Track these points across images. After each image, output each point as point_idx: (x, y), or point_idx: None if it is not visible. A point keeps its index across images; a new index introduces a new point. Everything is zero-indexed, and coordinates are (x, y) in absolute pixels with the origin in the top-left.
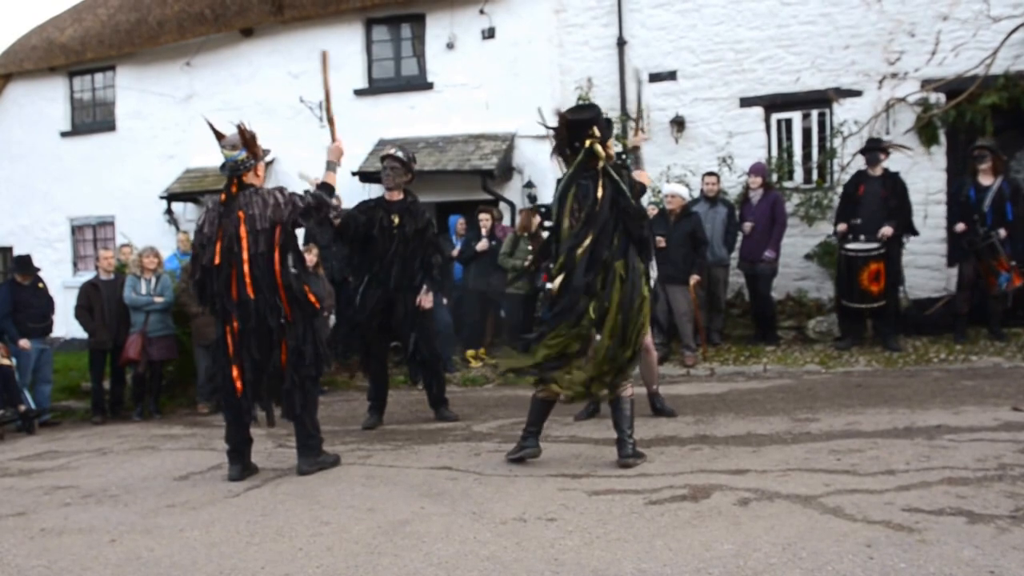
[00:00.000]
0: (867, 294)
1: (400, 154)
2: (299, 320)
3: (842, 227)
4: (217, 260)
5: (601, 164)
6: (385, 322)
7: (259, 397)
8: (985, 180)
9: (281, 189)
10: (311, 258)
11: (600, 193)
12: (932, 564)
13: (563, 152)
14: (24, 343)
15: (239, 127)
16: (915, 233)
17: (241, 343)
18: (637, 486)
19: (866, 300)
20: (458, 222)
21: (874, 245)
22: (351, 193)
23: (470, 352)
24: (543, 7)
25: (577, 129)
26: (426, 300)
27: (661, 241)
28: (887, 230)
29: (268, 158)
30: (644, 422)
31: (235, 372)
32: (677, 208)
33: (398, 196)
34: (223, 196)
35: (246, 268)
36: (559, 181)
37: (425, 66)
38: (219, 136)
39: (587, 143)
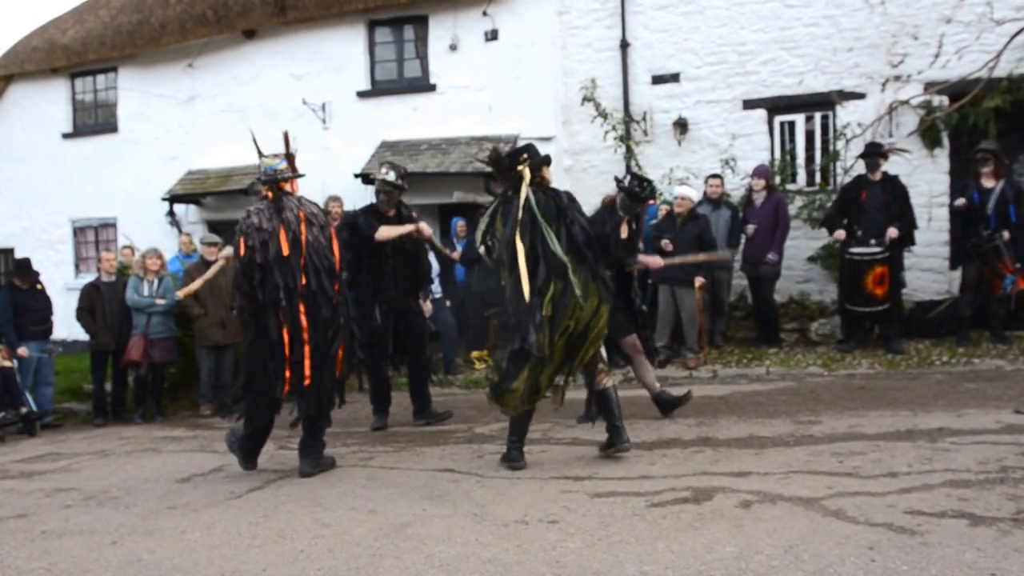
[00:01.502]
0: (872, 297)
1: (391, 177)
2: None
3: (840, 233)
4: (287, 251)
5: (524, 191)
6: (392, 333)
7: (308, 390)
8: (987, 183)
9: (318, 207)
10: None
11: (520, 215)
12: (934, 566)
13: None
14: (23, 351)
15: (285, 137)
16: (913, 243)
17: (310, 333)
18: (639, 488)
19: (871, 303)
20: (458, 224)
21: (878, 248)
22: (353, 194)
23: (475, 353)
24: (546, 9)
25: (512, 157)
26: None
27: (668, 244)
28: (892, 232)
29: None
30: (647, 424)
31: (287, 371)
32: (685, 211)
33: (392, 212)
34: (270, 195)
35: (303, 260)
36: (495, 200)
37: (428, 68)
38: (261, 154)
39: (519, 168)
